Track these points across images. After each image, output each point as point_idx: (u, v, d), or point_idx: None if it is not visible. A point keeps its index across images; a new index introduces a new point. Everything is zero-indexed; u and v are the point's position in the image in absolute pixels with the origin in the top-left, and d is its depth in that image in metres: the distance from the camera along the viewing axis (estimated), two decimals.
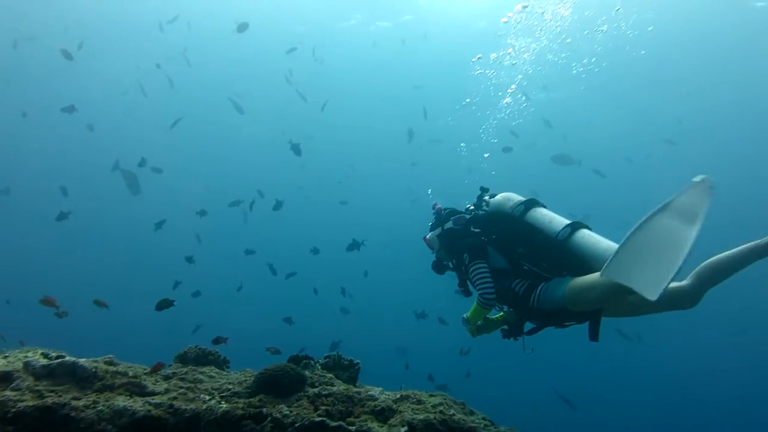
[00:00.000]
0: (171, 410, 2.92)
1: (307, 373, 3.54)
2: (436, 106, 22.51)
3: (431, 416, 3.19)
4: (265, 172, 28.35)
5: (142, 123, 27.39)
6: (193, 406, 2.99)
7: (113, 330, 19.65)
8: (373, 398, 3.57)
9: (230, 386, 3.36)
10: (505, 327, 3.81)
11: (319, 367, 3.81)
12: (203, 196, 24.54)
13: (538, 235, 3.41)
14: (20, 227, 27.10)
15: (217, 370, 3.68)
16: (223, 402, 3.13)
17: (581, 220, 3.45)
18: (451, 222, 3.91)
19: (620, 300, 3.05)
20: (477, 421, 3.56)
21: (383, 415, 3.41)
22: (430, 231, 4.10)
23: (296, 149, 12.54)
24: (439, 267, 4.07)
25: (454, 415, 3.30)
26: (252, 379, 3.41)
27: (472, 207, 3.95)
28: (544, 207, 3.61)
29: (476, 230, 3.79)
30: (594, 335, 3.24)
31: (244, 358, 4.12)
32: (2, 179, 22.51)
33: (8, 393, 2.73)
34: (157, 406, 2.91)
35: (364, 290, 21.80)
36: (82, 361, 3.07)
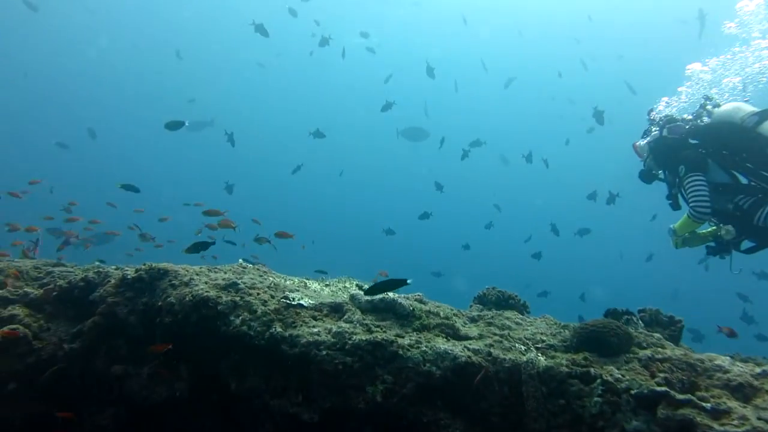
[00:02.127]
0: (489, 358, 2.75)
1: (631, 330, 2.99)
2: None
3: None
4: None
5: None
6: (511, 356, 2.77)
7: None
8: (721, 368, 2.83)
9: (543, 337, 3.05)
10: (712, 244, 3.63)
11: (642, 324, 3.21)
12: None
13: None
14: None
15: (520, 316, 3.42)
16: (539, 355, 2.84)
17: None
18: (666, 130, 3.69)
19: None
20: None
21: (741, 392, 2.67)
22: (642, 137, 3.95)
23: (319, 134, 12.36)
24: (647, 176, 3.89)
25: None
26: (568, 332, 3.03)
27: (691, 117, 3.69)
28: None
29: (695, 141, 3.52)
30: None
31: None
32: None
33: (343, 325, 2.92)
34: (475, 352, 2.77)
35: None
36: (399, 298, 3.11)
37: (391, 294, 3.28)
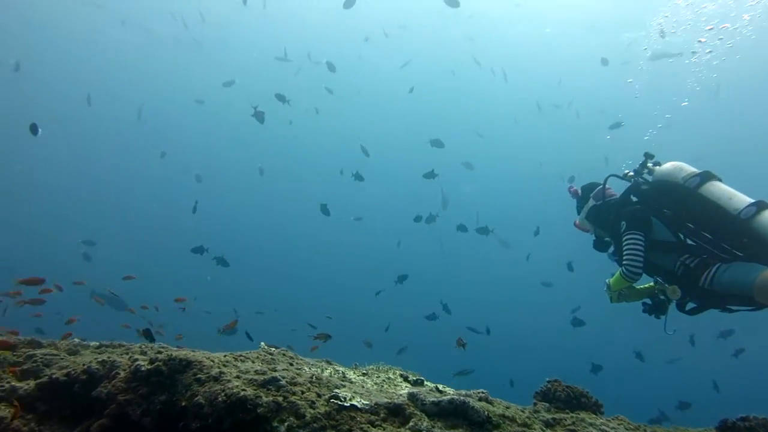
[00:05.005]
0: None
1: None
2: None
3: None
4: None
5: None
6: None
7: None
8: None
9: None
10: (648, 301, 3.62)
11: None
12: None
13: (716, 211, 3.16)
14: None
15: (599, 420, 3.01)
16: None
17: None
18: (591, 200, 3.88)
19: None
20: None
21: None
22: (578, 213, 4.03)
23: (260, 117, 11.70)
24: (600, 245, 3.94)
25: None
26: None
27: (632, 174, 3.74)
28: (721, 181, 3.32)
29: (635, 199, 3.60)
30: None
31: None
32: None
33: None
34: None
35: None
36: (470, 399, 2.68)
37: (449, 390, 2.86)
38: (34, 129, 7.94)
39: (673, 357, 17.89)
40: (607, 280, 3.64)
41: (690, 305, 3.43)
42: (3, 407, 2.77)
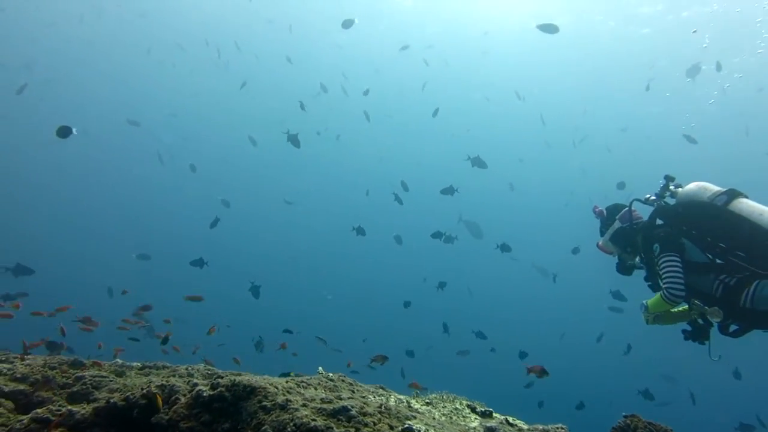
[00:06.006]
0: None
1: None
2: None
3: None
4: None
5: None
6: None
7: None
8: None
9: None
10: (688, 328, 3.48)
11: None
12: None
13: (748, 228, 3.11)
14: None
15: None
16: None
17: None
18: (617, 221, 3.80)
19: None
20: None
21: None
22: (601, 235, 3.96)
23: (295, 141, 11.83)
24: (624, 268, 3.85)
25: None
26: None
27: (653, 198, 3.71)
28: (747, 197, 3.28)
29: (660, 222, 3.55)
30: None
31: None
32: None
33: None
34: None
35: None
36: None
37: (521, 424, 2.64)
38: (64, 132, 6.61)
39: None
40: (644, 302, 3.55)
41: (733, 327, 3.31)
42: None
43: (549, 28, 13.20)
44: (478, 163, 11.03)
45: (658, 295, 3.39)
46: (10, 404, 3.19)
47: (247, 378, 2.80)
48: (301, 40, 27.98)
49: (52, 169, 33.85)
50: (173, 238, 33.01)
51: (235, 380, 2.75)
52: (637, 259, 3.74)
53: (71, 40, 28.24)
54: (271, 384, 2.80)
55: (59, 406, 2.92)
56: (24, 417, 2.75)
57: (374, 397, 3.09)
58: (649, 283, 3.65)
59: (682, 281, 3.19)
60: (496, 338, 15.38)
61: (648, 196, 3.75)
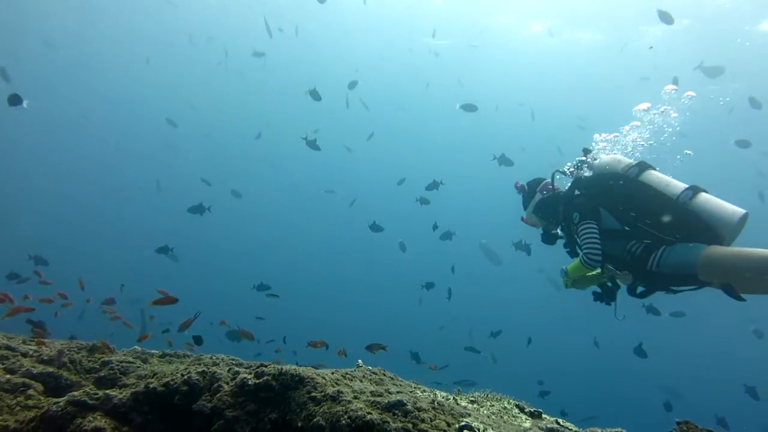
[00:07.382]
0: None
1: None
2: None
3: None
4: None
5: None
6: None
7: None
8: None
9: None
10: (597, 290, 3.75)
11: None
12: None
13: (657, 197, 3.35)
14: None
15: None
16: None
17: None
18: (538, 194, 3.99)
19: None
20: None
21: None
22: (524, 209, 4.11)
23: (313, 145, 11.82)
24: (548, 237, 3.99)
25: None
26: None
27: (572, 169, 3.90)
28: (656, 169, 3.50)
29: (578, 192, 3.71)
30: (738, 297, 2.98)
31: None
32: None
33: None
34: None
35: None
36: None
37: (571, 426, 2.51)
38: (15, 100, 6.24)
39: None
40: (564, 267, 3.75)
41: (640, 289, 3.53)
42: (99, 417, 2.51)
43: (470, 108, 13.46)
44: (504, 161, 10.89)
45: (577, 260, 3.59)
46: (40, 386, 3.07)
47: (294, 367, 2.68)
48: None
49: (66, 163, 33.89)
50: (170, 235, 33.00)
51: (282, 369, 2.63)
52: (559, 229, 3.92)
53: (71, 38, 28.22)
54: (319, 375, 2.68)
55: (91, 389, 2.80)
56: (59, 399, 2.62)
57: (420, 392, 2.96)
58: (568, 249, 3.86)
59: (599, 247, 3.39)
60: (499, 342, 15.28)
61: (568, 166, 3.95)
